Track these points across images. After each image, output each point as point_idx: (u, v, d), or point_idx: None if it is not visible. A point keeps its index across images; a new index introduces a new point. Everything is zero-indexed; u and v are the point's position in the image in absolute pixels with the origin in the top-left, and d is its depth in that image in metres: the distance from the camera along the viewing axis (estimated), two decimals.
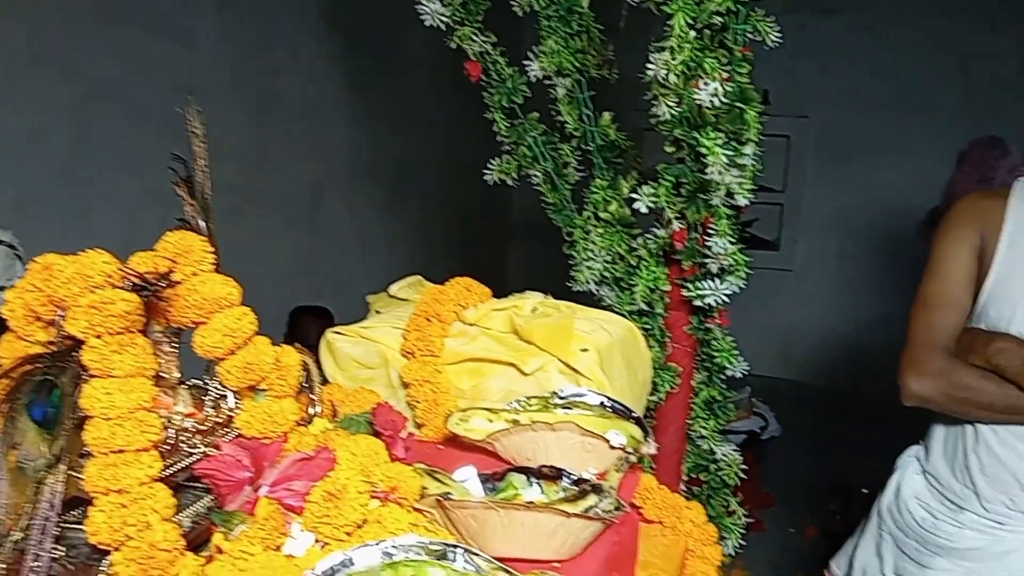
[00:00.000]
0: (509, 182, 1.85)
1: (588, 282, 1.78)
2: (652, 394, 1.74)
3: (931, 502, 1.66)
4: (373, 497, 0.85)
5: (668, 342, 1.77)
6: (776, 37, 1.57)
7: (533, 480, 0.98)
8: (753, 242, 5.49)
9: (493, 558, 0.85)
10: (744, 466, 1.89)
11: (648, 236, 1.75)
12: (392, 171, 4.39)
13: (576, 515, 0.84)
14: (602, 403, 1.14)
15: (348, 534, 0.81)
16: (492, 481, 0.98)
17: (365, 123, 4.08)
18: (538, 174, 1.83)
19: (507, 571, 0.77)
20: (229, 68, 3.22)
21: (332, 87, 3.85)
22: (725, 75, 1.49)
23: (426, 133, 4.52)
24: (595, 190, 1.76)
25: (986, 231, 1.57)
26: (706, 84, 1.45)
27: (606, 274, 1.77)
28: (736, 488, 1.91)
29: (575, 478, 0.95)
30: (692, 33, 1.39)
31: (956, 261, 1.58)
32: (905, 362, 1.57)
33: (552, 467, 0.97)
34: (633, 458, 1.03)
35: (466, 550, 0.76)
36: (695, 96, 1.47)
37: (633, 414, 1.12)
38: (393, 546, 0.75)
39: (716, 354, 1.77)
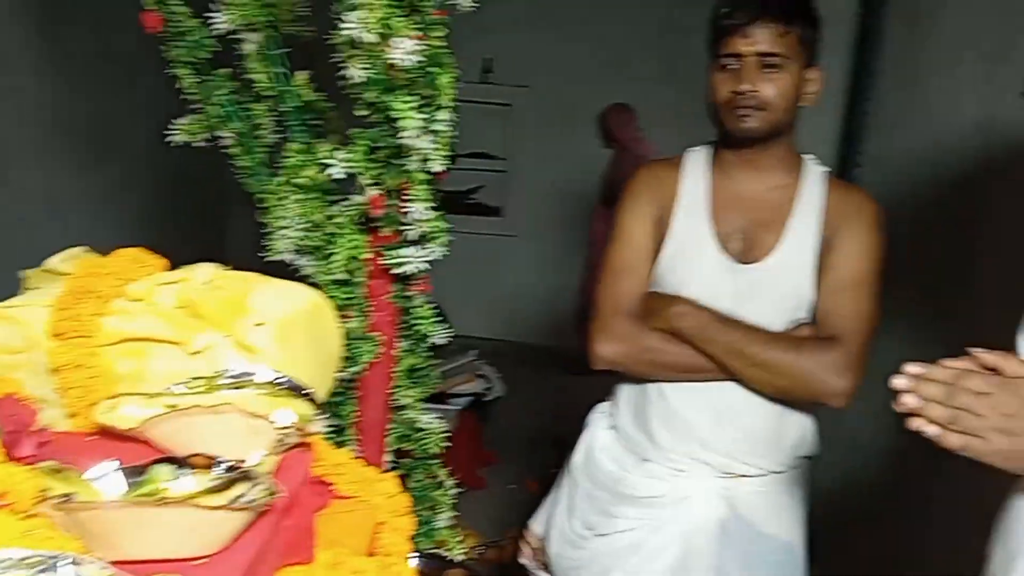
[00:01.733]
0: (195, 144, 1.71)
1: (284, 251, 1.69)
2: (353, 364, 1.70)
3: (619, 455, 1.76)
4: None
5: (370, 311, 1.73)
6: (472, 2, 1.56)
7: (185, 470, 0.90)
8: (477, 209, 5.62)
9: (127, 561, 0.77)
10: (455, 431, 1.90)
11: (347, 203, 1.69)
12: (94, 129, 3.96)
13: (216, 507, 0.78)
14: (273, 380, 1.07)
15: None
16: (135, 475, 0.88)
17: (59, 75, 3.65)
18: (230, 135, 1.70)
19: None
20: None
21: (15, 33, 3.40)
22: (418, 36, 1.46)
23: (133, 87, 4.11)
24: (290, 154, 1.67)
25: (663, 200, 1.68)
26: (399, 42, 1.42)
27: (303, 243, 1.69)
28: (449, 453, 1.91)
29: (228, 465, 0.88)
30: None
31: (637, 229, 1.68)
32: (594, 328, 1.65)
33: (204, 455, 0.90)
34: (294, 438, 0.98)
35: (75, 560, 0.67)
36: (389, 57, 1.43)
37: (305, 391, 1.07)
38: None
39: (417, 322, 1.75)
